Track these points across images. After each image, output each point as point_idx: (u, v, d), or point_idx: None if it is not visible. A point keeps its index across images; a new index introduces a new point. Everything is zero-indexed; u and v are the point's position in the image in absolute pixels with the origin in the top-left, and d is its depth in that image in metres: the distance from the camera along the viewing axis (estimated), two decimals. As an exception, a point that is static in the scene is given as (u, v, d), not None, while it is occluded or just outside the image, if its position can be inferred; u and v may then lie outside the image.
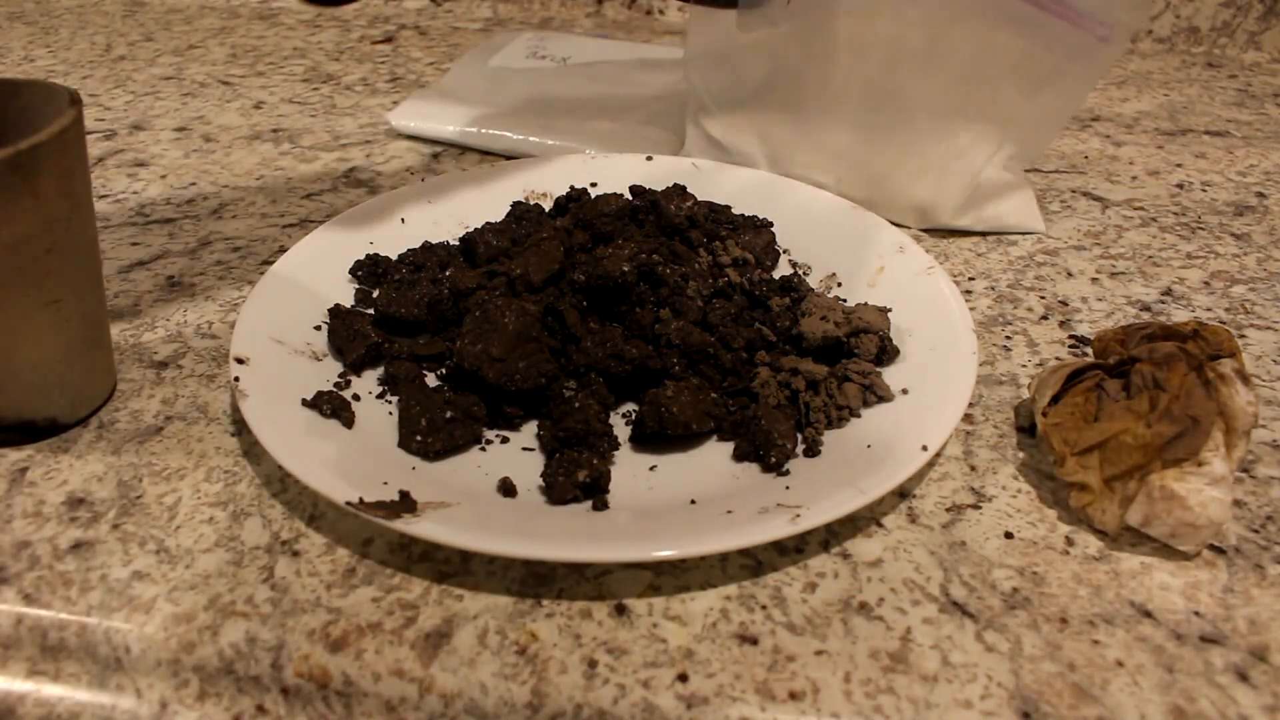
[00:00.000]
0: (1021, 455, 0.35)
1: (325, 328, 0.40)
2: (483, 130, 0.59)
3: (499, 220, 0.45)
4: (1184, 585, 0.30)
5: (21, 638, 0.29)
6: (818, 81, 0.46)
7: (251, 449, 0.35)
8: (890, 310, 0.39)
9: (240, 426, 0.36)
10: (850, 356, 0.37)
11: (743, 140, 0.51)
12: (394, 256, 0.44)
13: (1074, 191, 0.54)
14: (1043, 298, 0.44)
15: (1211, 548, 0.31)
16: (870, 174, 0.48)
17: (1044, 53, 0.43)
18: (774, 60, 0.46)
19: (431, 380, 0.38)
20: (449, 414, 0.34)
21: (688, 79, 0.50)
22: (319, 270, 0.42)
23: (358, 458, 0.33)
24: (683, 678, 0.27)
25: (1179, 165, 0.58)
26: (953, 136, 0.46)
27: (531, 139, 0.58)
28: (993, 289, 0.45)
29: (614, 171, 0.50)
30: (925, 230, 0.49)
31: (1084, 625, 0.28)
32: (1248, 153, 0.59)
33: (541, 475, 0.33)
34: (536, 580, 0.30)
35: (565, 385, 0.36)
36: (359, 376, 0.38)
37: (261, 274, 0.45)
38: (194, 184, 0.55)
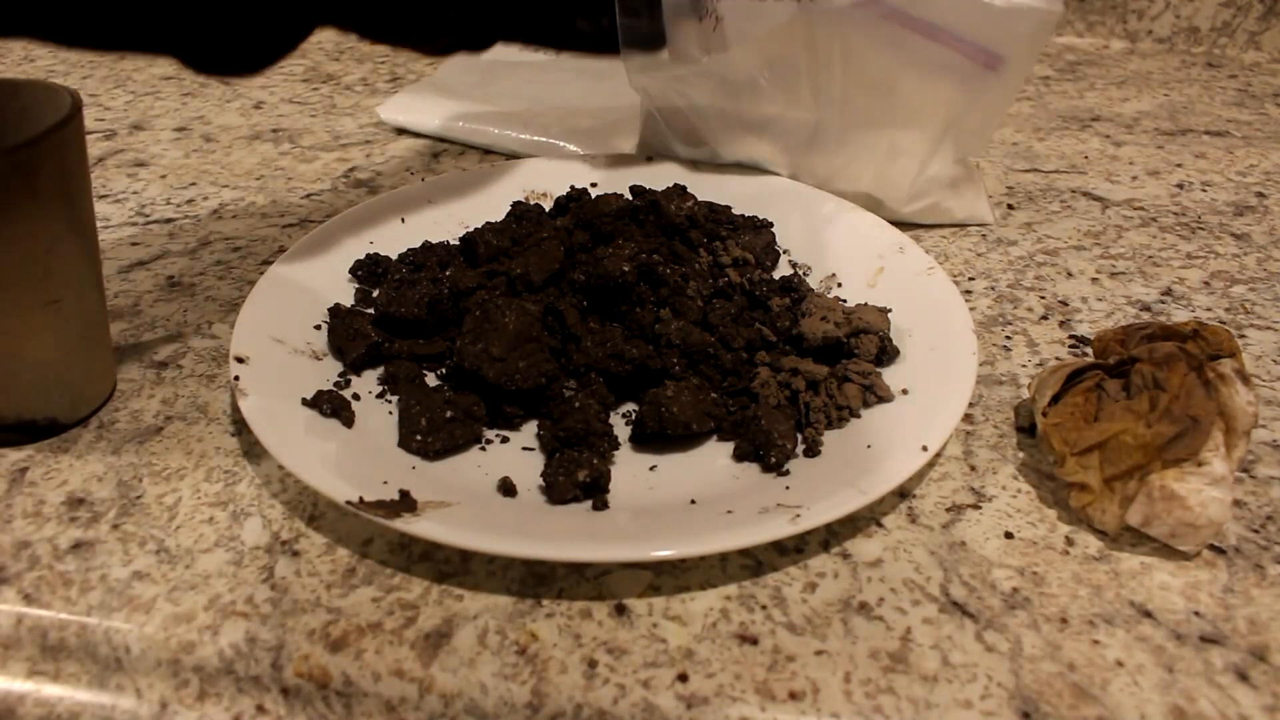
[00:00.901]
0: (1021, 455, 0.35)
1: (325, 328, 0.40)
2: (465, 125, 0.59)
3: (499, 220, 0.45)
4: (1184, 585, 0.30)
5: (21, 638, 0.29)
6: (752, 98, 0.47)
7: (251, 449, 0.35)
8: (890, 310, 0.39)
9: (240, 426, 0.36)
10: (850, 357, 0.37)
11: (691, 143, 0.51)
12: (394, 256, 0.44)
13: (1074, 191, 0.54)
14: (1043, 298, 0.44)
15: (1211, 548, 0.31)
16: (815, 172, 0.49)
17: (940, 79, 0.44)
18: (709, 82, 0.47)
19: (431, 380, 0.38)
20: (449, 414, 0.34)
21: (635, 89, 0.51)
22: (319, 270, 0.42)
23: (358, 457, 0.33)
24: (683, 678, 0.27)
25: (1179, 165, 0.58)
26: (889, 139, 0.47)
27: (510, 134, 0.58)
28: (993, 289, 0.45)
29: (614, 171, 0.50)
30: (923, 228, 0.49)
31: (1084, 625, 0.28)
32: (1248, 153, 0.59)
33: (541, 475, 0.33)
34: (536, 580, 0.30)
35: (565, 385, 0.36)
36: (359, 376, 0.38)
37: (261, 274, 0.45)
38: (194, 184, 0.55)
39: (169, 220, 0.51)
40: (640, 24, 0.45)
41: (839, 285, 0.43)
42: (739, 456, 0.34)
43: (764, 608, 0.29)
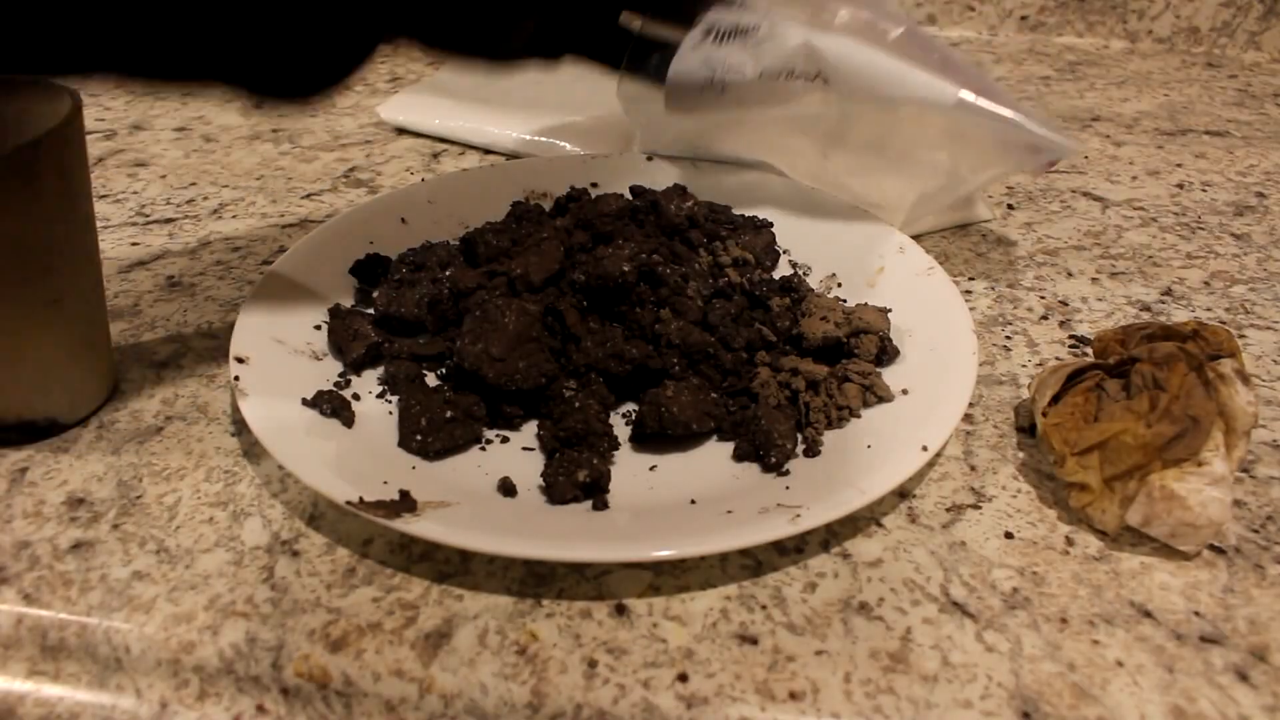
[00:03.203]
0: (1021, 455, 0.35)
1: (325, 328, 0.40)
2: (465, 125, 0.59)
3: (499, 220, 0.45)
4: (1184, 585, 0.30)
5: (21, 638, 0.29)
6: (749, 148, 0.48)
7: (251, 449, 0.35)
8: (890, 310, 0.39)
9: (240, 426, 0.36)
10: (850, 357, 0.37)
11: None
12: (394, 256, 0.44)
13: (1074, 191, 0.54)
14: (1043, 298, 0.44)
15: (1211, 548, 0.31)
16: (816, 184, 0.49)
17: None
18: (707, 129, 0.47)
19: (431, 380, 0.38)
20: (449, 414, 0.34)
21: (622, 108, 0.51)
22: (319, 270, 0.42)
23: (358, 457, 0.33)
24: (683, 678, 0.27)
25: (1179, 165, 0.58)
26: (896, 170, 0.46)
27: (510, 134, 0.58)
28: (993, 289, 0.45)
29: (614, 171, 0.50)
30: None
31: (1084, 625, 0.28)
32: (1248, 153, 0.59)
33: (541, 475, 0.33)
34: (536, 580, 0.30)
35: (565, 385, 0.36)
36: (359, 376, 0.38)
37: (261, 274, 0.45)
38: (194, 184, 0.55)
39: (169, 220, 0.51)
40: (652, 55, 0.45)
41: (839, 285, 0.43)
42: (739, 456, 0.34)
43: (764, 608, 0.29)
